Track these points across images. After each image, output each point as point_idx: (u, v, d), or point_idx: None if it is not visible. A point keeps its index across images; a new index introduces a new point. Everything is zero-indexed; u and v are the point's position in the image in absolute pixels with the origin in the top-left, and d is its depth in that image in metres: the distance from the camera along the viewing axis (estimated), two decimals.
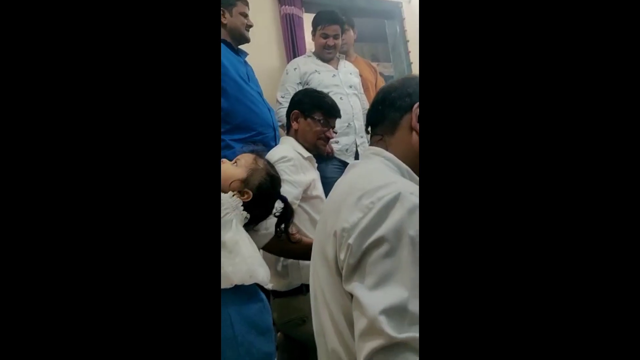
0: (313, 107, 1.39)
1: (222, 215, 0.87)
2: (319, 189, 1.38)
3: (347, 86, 1.99)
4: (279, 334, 1.38)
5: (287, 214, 1.10)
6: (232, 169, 0.99)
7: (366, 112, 2.22)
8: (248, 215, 0.95)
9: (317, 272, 0.69)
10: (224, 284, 0.83)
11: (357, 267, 0.56)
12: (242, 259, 0.86)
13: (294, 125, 1.40)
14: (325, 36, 1.98)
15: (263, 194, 1.00)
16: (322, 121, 1.39)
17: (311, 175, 1.36)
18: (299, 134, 1.40)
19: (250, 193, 0.97)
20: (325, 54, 2.00)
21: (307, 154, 1.37)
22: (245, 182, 0.97)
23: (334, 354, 0.63)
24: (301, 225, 1.30)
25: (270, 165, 1.07)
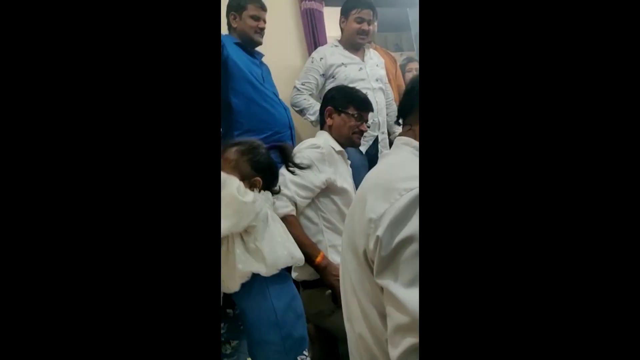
0: (346, 102, 1.43)
1: (258, 211, 0.92)
2: (349, 182, 1.40)
3: (374, 79, 1.97)
4: (309, 324, 1.41)
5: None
6: (230, 176, 0.97)
7: (389, 104, 2.15)
8: (274, 199, 1.02)
9: (346, 261, 0.71)
10: (271, 271, 0.91)
11: (389, 262, 0.57)
12: (281, 244, 0.94)
13: (328, 121, 1.44)
14: (361, 20, 1.94)
15: (263, 169, 1.03)
16: (355, 115, 1.42)
17: (341, 168, 1.38)
18: (333, 129, 1.43)
19: (259, 178, 1.00)
20: (358, 40, 1.96)
21: (339, 147, 1.41)
22: (244, 177, 0.99)
23: (361, 339, 0.65)
24: (330, 216, 1.32)
25: (242, 144, 1.05)
